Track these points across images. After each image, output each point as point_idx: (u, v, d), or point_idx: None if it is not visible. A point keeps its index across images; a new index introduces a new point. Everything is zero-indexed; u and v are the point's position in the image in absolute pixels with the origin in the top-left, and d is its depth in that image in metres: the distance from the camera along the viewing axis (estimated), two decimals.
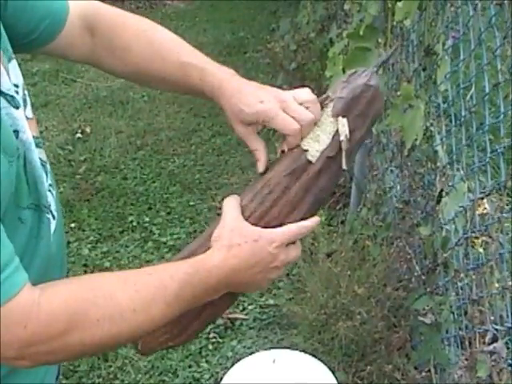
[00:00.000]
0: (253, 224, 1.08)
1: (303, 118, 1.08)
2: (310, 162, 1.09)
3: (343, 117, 1.09)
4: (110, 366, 2.77)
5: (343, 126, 1.09)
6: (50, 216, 1.07)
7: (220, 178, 4.25)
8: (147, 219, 3.80)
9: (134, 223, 3.78)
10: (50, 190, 1.09)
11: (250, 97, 1.11)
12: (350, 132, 1.09)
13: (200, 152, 4.57)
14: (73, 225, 3.69)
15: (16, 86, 1.02)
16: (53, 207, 1.10)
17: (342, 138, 1.09)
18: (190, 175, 4.28)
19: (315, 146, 1.09)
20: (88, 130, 4.88)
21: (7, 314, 0.87)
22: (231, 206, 1.09)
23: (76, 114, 5.20)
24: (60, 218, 1.15)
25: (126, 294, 0.97)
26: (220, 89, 1.13)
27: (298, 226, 1.09)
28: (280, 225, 1.09)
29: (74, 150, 4.61)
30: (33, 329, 0.89)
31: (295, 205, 1.10)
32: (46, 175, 1.07)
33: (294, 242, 1.11)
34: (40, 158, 1.05)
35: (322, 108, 1.11)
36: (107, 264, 3.42)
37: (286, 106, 1.08)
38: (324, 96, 1.13)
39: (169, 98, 5.26)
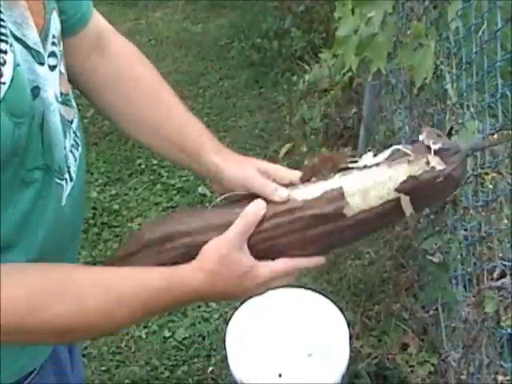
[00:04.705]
0: (256, 242, 1.03)
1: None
2: (343, 215, 1.00)
3: (406, 194, 0.98)
4: None
5: (406, 203, 0.99)
6: (61, 180, 1.00)
7: (228, 120, 4.24)
8: (155, 162, 3.80)
9: (143, 166, 3.79)
10: (72, 151, 1.04)
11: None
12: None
13: (208, 95, 4.55)
14: None
15: (54, 36, 0.98)
16: (72, 169, 1.04)
17: (408, 214, 1.00)
18: (197, 118, 4.25)
19: (358, 202, 0.99)
20: None
21: None
22: (250, 217, 1.03)
23: None
24: (80, 180, 1.09)
25: (95, 296, 0.93)
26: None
27: (294, 264, 1.05)
28: (280, 252, 1.04)
29: (81, 94, 4.59)
30: None
31: (306, 244, 1.03)
32: (69, 135, 1.02)
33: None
34: (64, 116, 0.99)
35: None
36: (116, 206, 3.45)
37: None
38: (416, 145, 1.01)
39: (176, 41, 5.22)
